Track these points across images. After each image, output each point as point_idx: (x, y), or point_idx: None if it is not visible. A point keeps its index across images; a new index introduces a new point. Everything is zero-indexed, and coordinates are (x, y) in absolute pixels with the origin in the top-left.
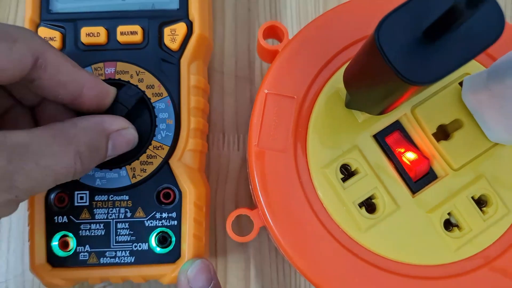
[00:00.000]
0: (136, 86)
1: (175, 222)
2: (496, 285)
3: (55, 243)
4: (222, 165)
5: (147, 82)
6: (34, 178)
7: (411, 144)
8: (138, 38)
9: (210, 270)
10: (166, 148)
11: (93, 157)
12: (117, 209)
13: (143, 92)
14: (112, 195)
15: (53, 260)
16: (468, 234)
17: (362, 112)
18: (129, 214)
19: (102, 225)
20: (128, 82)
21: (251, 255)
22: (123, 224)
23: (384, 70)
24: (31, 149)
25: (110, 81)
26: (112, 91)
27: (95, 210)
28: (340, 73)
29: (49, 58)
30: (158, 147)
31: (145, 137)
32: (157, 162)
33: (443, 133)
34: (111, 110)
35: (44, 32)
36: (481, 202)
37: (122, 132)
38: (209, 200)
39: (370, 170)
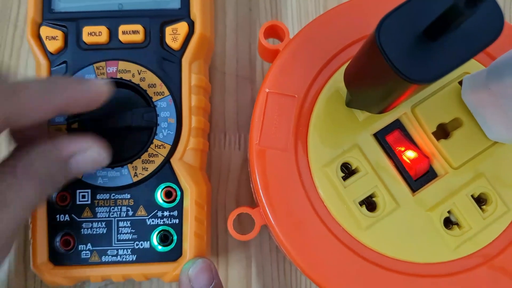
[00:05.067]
0: (151, 98)
1: (177, 221)
2: (495, 283)
3: (57, 241)
4: (224, 164)
5: (148, 81)
6: (7, 222)
7: (411, 143)
8: (139, 37)
9: (211, 270)
10: (168, 147)
11: (53, 182)
12: (119, 207)
13: (154, 115)
14: (113, 194)
15: (55, 259)
16: (468, 232)
17: (362, 111)
18: (130, 213)
19: (103, 223)
20: (130, 81)
21: (252, 254)
22: (125, 222)
23: (385, 69)
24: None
25: (112, 81)
26: (101, 93)
27: (96, 208)
28: (341, 72)
29: (25, 116)
30: (160, 145)
31: (147, 135)
32: (158, 160)
33: (443, 132)
34: (117, 115)
35: (46, 31)
36: (480, 200)
37: (80, 155)
38: (210, 199)
39: (370, 169)
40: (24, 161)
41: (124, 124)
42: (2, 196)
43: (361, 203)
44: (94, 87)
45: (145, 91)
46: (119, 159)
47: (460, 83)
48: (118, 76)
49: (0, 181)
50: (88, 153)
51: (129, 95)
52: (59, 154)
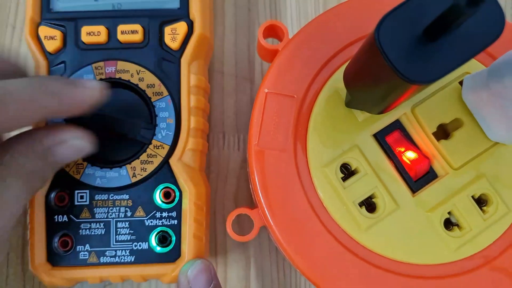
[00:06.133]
0: (150, 98)
1: (175, 222)
2: (496, 284)
3: (55, 242)
4: (222, 165)
5: (147, 81)
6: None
7: (411, 144)
8: (138, 37)
9: (210, 271)
10: (167, 147)
11: (40, 176)
12: (117, 208)
13: (154, 128)
14: (112, 194)
15: (53, 259)
16: (468, 233)
17: (362, 111)
18: (129, 214)
19: (102, 224)
20: (129, 81)
21: (251, 255)
22: (123, 223)
23: (384, 69)
24: None
25: (110, 80)
26: (92, 97)
27: (95, 209)
28: (340, 72)
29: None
30: (159, 146)
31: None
32: (157, 161)
33: (443, 132)
34: (117, 119)
35: (44, 31)
36: (481, 201)
37: (62, 146)
38: (209, 200)
39: (370, 170)
40: (6, 159)
41: (119, 131)
42: None
43: (361, 204)
44: (87, 91)
45: (144, 91)
46: (117, 160)
47: (461, 83)
48: (117, 76)
49: None
50: (70, 143)
51: (133, 101)
52: (41, 147)
